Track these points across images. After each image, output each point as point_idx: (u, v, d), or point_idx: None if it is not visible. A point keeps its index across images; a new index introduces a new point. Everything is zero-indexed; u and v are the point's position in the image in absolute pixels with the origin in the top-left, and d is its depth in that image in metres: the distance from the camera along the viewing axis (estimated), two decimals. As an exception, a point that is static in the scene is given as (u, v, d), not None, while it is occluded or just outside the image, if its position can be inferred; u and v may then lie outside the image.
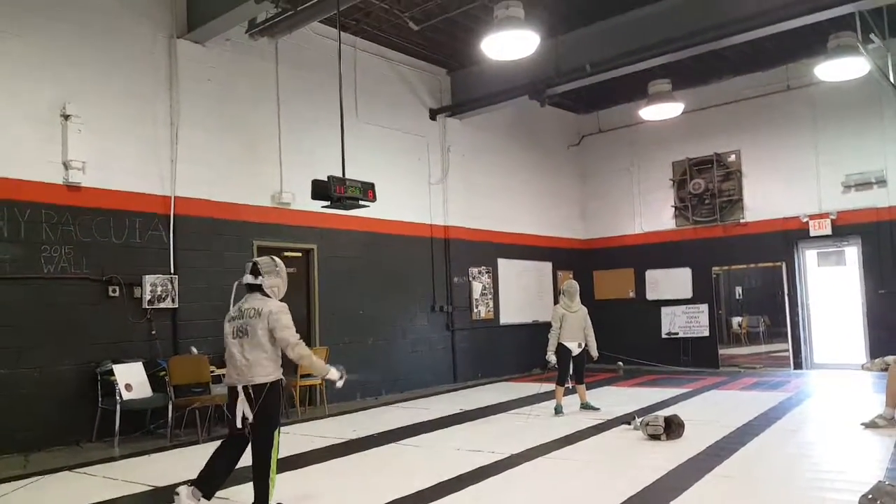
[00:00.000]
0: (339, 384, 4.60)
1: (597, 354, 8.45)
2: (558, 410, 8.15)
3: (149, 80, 8.27)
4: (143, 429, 7.62)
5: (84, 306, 7.50)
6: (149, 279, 7.96)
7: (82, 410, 7.31)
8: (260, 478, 4.23)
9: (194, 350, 8.14)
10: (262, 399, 4.20)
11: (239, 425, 4.25)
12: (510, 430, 7.38)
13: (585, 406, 8.38)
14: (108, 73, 7.91)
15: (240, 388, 4.24)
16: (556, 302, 8.68)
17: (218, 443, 4.57)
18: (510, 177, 13.61)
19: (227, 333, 4.39)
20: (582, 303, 8.53)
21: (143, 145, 8.17)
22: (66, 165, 7.43)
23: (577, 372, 8.38)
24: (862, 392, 9.48)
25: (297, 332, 4.38)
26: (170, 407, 7.44)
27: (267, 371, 4.27)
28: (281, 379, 4.37)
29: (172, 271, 8.22)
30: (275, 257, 4.63)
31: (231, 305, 4.51)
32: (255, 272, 4.43)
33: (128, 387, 7.25)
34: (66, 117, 7.44)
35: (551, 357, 8.22)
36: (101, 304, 7.63)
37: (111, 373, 7.26)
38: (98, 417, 7.33)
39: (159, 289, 8.04)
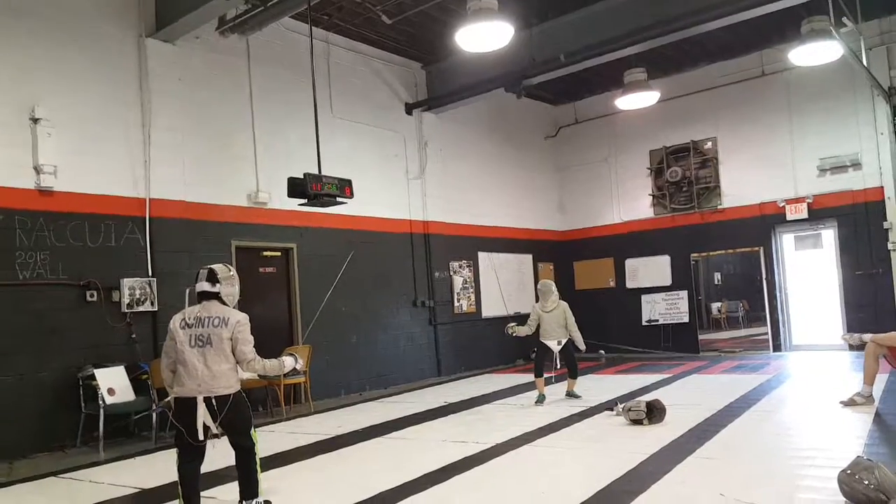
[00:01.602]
0: (299, 366, 4.60)
1: (584, 347, 8.43)
2: (540, 400, 8.19)
3: (119, 81, 8.16)
4: (128, 432, 7.55)
5: (62, 312, 7.41)
6: (127, 283, 7.88)
7: (65, 416, 7.24)
8: (247, 478, 4.23)
9: (175, 352, 8.06)
10: (227, 410, 4.08)
11: (201, 437, 4.06)
12: (494, 421, 7.40)
13: (570, 394, 8.45)
14: (77, 74, 7.80)
15: (200, 399, 4.04)
16: (536, 296, 8.67)
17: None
18: (488, 170, 13.62)
19: (182, 341, 4.11)
20: (563, 295, 8.54)
21: (116, 147, 8.07)
22: (37, 170, 7.31)
23: (569, 367, 8.36)
24: (840, 371, 9.64)
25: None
26: (153, 409, 7.37)
27: (230, 383, 4.14)
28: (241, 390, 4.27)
29: (150, 274, 8.14)
30: (230, 265, 4.49)
31: (184, 310, 4.29)
32: (213, 280, 4.23)
33: (110, 391, 7.19)
34: (36, 121, 7.32)
35: (511, 324, 8.46)
36: (79, 309, 7.54)
37: (93, 377, 7.20)
38: (82, 422, 7.26)
39: (138, 292, 7.96)
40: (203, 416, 4.03)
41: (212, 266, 4.33)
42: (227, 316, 4.17)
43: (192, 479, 4.17)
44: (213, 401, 4.05)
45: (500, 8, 8.27)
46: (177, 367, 4.15)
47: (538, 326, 8.28)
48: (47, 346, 7.24)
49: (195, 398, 4.05)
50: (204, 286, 4.23)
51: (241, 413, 4.18)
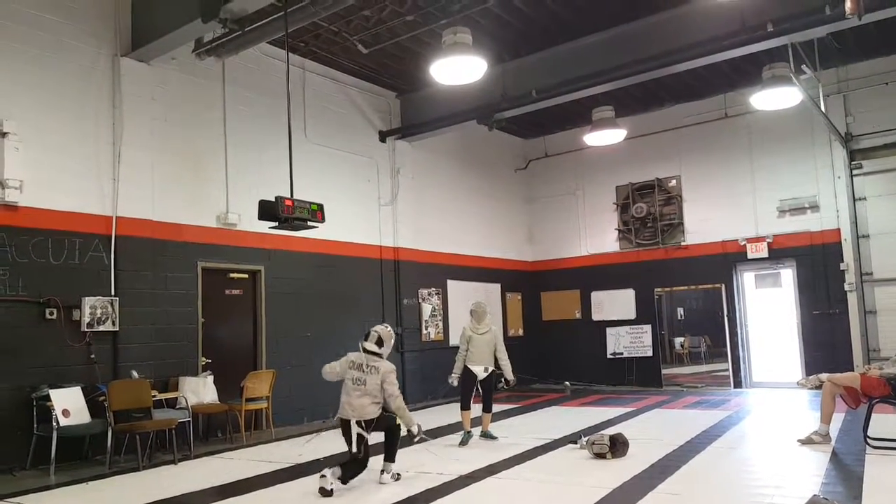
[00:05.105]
0: (416, 439, 5.97)
1: (513, 378, 7.88)
2: (465, 440, 7.59)
3: (91, 98, 8.09)
4: (81, 456, 7.33)
5: (19, 329, 7.21)
6: (88, 301, 7.72)
7: (16, 437, 7.00)
8: (391, 451, 5.95)
9: (135, 374, 7.90)
10: (373, 427, 5.74)
11: (355, 449, 5.62)
12: (458, 452, 7.37)
13: (485, 434, 7.90)
14: (49, 90, 7.71)
15: (353, 422, 5.66)
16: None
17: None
18: (459, 199, 13.74)
19: (348, 378, 5.78)
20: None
21: (85, 164, 7.96)
22: (2, 184, 7.16)
23: (485, 399, 7.84)
24: (798, 409, 9.83)
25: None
26: (109, 433, 7.18)
27: (372, 412, 5.73)
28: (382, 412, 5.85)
29: (113, 293, 7.99)
30: (391, 329, 6.09)
31: (346, 356, 5.98)
32: (380, 343, 5.89)
33: (65, 412, 6.98)
34: (3, 135, 7.20)
35: (454, 380, 7.74)
36: (37, 326, 7.35)
37: (47, 398, 6.99)
38: (33, 444, 7.04)
39: (99, 311, 7.80)
40: (356, 431, 5.64)
41: (378, 331, 5.96)
42: (379, 366, 5.77)
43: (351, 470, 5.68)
44: (363, 423, 5.70)
45: (475, 43, 8.45)
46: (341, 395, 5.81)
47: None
48: (1, 364, 7.02)
49: (349, 420, 5.69)
50: (372, 346, 5.86)
51: (379, 422, 5.79)
